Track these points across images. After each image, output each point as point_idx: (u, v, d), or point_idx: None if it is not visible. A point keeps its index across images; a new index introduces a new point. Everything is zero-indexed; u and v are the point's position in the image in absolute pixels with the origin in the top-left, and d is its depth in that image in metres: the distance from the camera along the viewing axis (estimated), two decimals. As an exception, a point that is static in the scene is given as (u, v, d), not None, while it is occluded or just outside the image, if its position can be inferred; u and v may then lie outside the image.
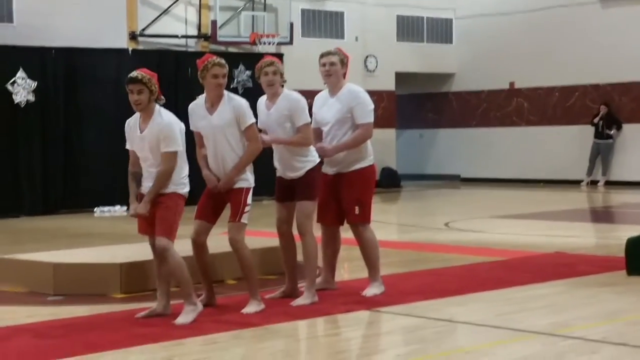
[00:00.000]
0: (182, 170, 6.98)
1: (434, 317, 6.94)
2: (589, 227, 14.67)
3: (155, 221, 6.87)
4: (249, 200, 7.16)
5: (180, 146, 6.90)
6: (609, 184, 21.55)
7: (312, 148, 7.54)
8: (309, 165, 7.48)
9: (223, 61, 7.12)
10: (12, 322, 7.00)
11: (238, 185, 7.12)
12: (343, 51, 7.88)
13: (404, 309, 7.28)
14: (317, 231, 7.70)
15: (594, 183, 21.73)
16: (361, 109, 7.69)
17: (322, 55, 7.81)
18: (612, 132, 21.54)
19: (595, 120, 21.56)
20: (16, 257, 8.99)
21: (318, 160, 7.56)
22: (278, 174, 7.64)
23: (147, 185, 6.94)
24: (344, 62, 7.78)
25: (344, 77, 7.83)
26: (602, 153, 21.69)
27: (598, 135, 21.61)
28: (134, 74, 6.88)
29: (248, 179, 7.16)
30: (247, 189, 7.15)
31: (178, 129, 6.93)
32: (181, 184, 6.97)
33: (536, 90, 23.13)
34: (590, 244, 11.58)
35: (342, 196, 7.72)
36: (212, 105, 7.12)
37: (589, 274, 8.81)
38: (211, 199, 7.22)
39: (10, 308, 7.72)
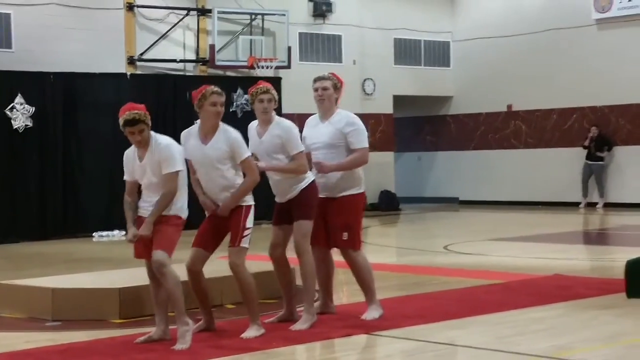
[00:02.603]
0: (182, 193, 6.98)
1: (434, 341, 6.92)
2: (587, 249, 14.67)
3: (154, 238, 6.85)
4: (249, 222, 7.12)
5: (181, 166, 6.90)
6: (607, 205, 21.54)
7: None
8: (303, 185, 7.47)
9: (221, 90, 7.13)
10: (10, 348, 6.98)
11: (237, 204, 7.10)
12: (337, 76, 7.89)
13: (403, 332, 7.27)
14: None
15: (591, 205, 21.72)
16: (357, 134, 7.70)
17: (315, 80, 7.83)
18: (603, 153, 21.61)
19: (586, 143, 21.63)
20: (15, 282, 8.98)
21: (312, 179, 7.54)
22: (276, 198, 7.63)
23: (149, 210, 6.92)
24: (337, 86, 7.79)
25: (337, 103, 7.84)
26: (595, 174, 21.73)
27: (589, 156, 21.69)
28: (130, 115, 6.81)
29: (246, 199, 7.13)
30: (247, 208, 7.12)
31: (177, 150, 6.94)
32: (181, 207, 6.96)
33: (534, 112, 23.16)
34: (590, 267, 11.57)
35: (330, 221, 7.70)
36: (206, 135, 7.10)
37: (589, 297, 8.79)
38: (212, 226, 7.18)
39: (9, 334, 7.70)
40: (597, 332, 7.20)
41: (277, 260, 7.64)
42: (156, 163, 6.86)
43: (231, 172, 7.08)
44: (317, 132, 7.77)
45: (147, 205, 6.96)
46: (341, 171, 7.67)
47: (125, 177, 7.10)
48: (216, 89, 7.11)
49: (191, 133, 7.20)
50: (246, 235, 7.09)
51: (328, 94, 7.76)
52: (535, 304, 8.44)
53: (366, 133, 7.81)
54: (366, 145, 7.74)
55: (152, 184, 6.92)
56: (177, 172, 6.86)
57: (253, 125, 7.57)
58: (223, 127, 7.11)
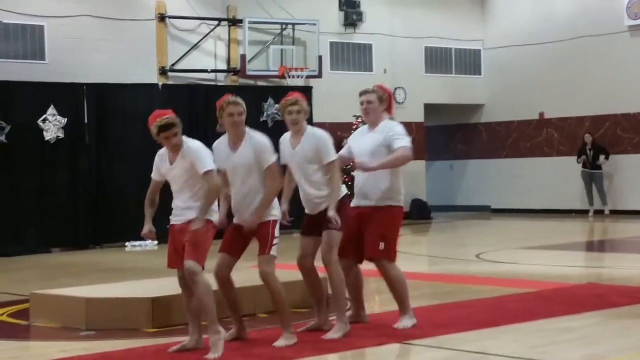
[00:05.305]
0: None
1: (466, 350, 6.90)
2: (621, 257, 14.55)
3: (185, 247, 6.88)
4: (277, 232, 7.16)
5: (213, 165, 6.93)
6: (626, 213, 21.39)
7: (334, 184, 7.50)
8: None
9: (239, 100, 7.14)
10: (45, 357, 7.04)
11: (264, 219, 7.12)
12: (383, 88, 7.91)
13: (436, 341, 7.25)
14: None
15: (598, 212, 21.69)
16: (395, 136, 7.68)
17: (360, 94, 7.89)
18: (600, 162, 21.64)
19: (588, 149, 21.64)
20: (49, 292, 9.05)
21: (343, 194, 7.54)
22: (306, 210, 7.63)
23: (183, 216, 6.95)
24: (382, 98, 7.81)
25: (390, 113, 7.86)
26: (596, 183, 21.69)
27: (589, 165, 21.65)
28: (162, 121, 6.89)
29: (273, 212, 7.16)
30: (274, 221, 7.14)
31: (207, 151, 6.99)
32: (210, 210, 6.97)
33: (566, 120, 23.06)
34: (623, 275, 11.48)
35: (368, 230, 7.70)
36: (235, 143, 7.16)
37: (623, 305, 8.73)
38: (238, 233, 7.21)
39: (43, 343, 7.77)
40: (631, 341, 7.15)
41: (306, 270, 7.66)
42: (188, 165, 6.90)
43: (262, 179, 7.09)
44: (362, 140, 7.83)
45: (177, 212, 6.99)
46: (383, 169, 7.61)
47: (153, 176, 7.18)
48: (233, 99, 7.14)
49: (221, 143, 7.26)
50: (275, 244, 7.11)
51: (373, 107, 7.79)
52: (568, 312, 8.39)
53: (407, 136, 7.76)
54: (407, 144, 7.67)
55: (182, 188, 6.97)
56: (211, 170, 6.89)
57: (286, 137, 7.59)
58: (250, 133, 7.15)
